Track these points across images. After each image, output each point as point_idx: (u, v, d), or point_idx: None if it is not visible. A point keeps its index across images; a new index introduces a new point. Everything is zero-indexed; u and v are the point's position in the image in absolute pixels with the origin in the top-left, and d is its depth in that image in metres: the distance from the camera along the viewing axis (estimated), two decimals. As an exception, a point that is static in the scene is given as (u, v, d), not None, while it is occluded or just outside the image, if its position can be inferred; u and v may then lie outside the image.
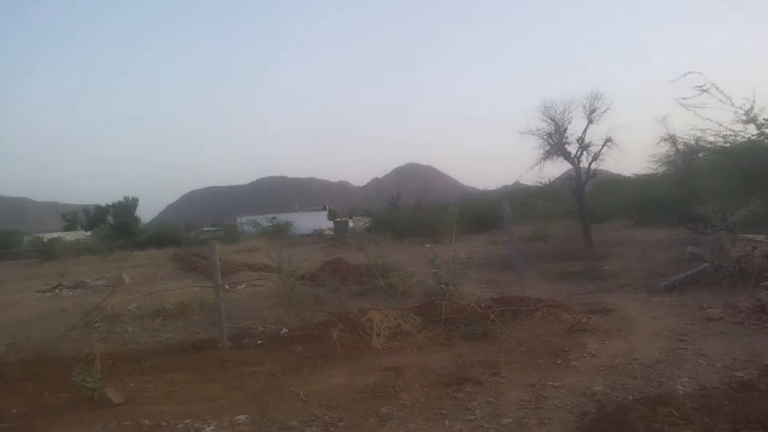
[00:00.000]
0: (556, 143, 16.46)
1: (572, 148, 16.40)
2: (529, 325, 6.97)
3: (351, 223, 55.84)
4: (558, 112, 16.18)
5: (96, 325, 6.49)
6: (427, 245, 21.74)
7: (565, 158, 16.55)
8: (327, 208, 76.74)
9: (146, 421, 4.40)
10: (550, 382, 4.85)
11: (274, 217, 50.10)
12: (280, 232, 43.97)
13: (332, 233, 48.55)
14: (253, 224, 49.29)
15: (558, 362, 5.44)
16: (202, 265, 22.75)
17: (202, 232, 77.89)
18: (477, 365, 5.43)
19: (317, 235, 49.47)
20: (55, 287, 18.73)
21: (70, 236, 59.69)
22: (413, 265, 12.69)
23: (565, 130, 16.40)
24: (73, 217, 66.06)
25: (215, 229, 78.92)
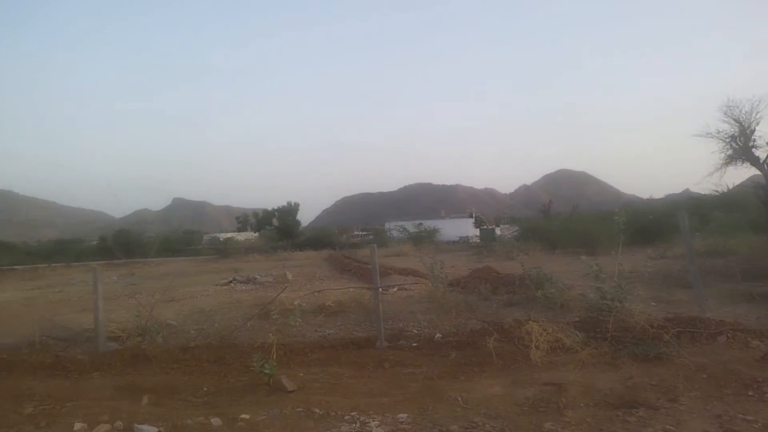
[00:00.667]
0: (740, 147, 14.54)
1: (761, 153, 14.37)
2: (711, 350, 6.21)
3: (498, 231, 54.75)
4: (743, 112, 14.30)
5: (274, 317, 7.15)
6: (582, 257, 20.49)
7: (751, 164, 14.53)
8: (473, 215, 76.04)
9: (317, 410, 4.73)
10: (741, 415, 4.27)
11: (421, 224, 50.98)
12: (426, 238, 44.61)
13: (478, 241, 48.05)
14: (401, 230, 50.63)
15: (749, 393, 4.77)
16: (354, 266, 24.01)
17: (354, 236, 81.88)
18: (650, 389, 4.98)
19: (463, 243, 49.33)
20: (230, 281, 21.07)
21: (241, 236, 66.74)
22: (568, 276, 12.04)
23: (753, 131, 14.42)
24: (244, 220, 73.85)
25: (364, 233, 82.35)
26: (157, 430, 4.30)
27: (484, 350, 6.44)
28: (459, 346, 7.00)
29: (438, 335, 7.71)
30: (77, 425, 4.54)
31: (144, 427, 4.34)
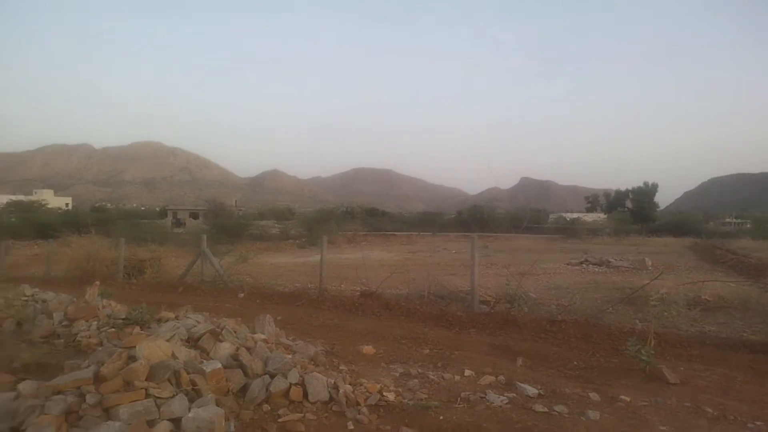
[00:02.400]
0: None
1: None
2: None
3: None
4: None
5: (652, 303, 6.70)
6: None
7: None
8: None
9: (708, 409, 4.22)
10: None
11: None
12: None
13: None
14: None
15: None
16: (731, 259, 20.42)
17: (724, 223, 69.88)
18: None
19: None
20: (581, 262, 20.73)
21: (589, 217, 64.62)
22: None
23: None
24: (594, 200, 71.11)
25: (739, 221, 69.38)
26: (537, 391, 4.56)
27: None
28: None
29: None
30: (467, 371, 5.20)
31: (525, 386, 4.66)
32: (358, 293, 9.89)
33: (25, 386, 3.96)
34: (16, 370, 4.85)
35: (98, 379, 3.68)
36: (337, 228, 39.00)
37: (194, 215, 64.57)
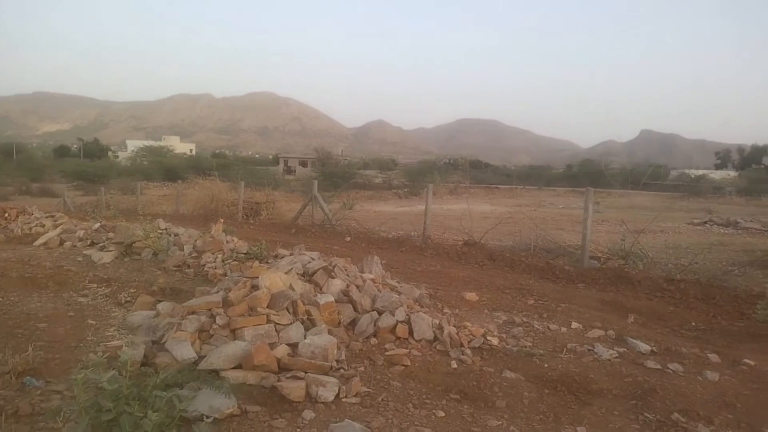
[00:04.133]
0: None
1: None
2: None
3: None
4: None
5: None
6: None
7: None
8: None
9: None
10: None
11: None
12: None
13: None
14: None
15: None
16: None
17: None
18: None
19: None
20: (705, 222, 19.08)
21: (716, 175, 58.73)
22: None
23: None
24: (724, 156, 64.29)
25: None
26: (650, 348, 4.36)
27: None
28: None
29: None
30: (574, 324, 5.08)
31: (636, 341, 4.48)
32: (461, 243, 9.90)
33: (164, 306, 4.49)
34: (154, 292, 5.49)
35: (226, 303, 4.07)
36: (439, 179, 38.88)
37: (303, 163, 67.37)
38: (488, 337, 4.37)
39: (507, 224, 11.55)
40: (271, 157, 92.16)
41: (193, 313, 4.01)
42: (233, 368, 3.34)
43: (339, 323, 4.36)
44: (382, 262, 7.53)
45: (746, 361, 4.15)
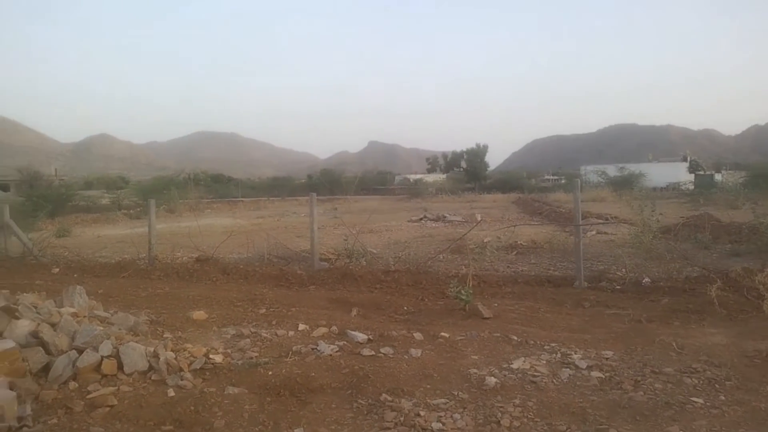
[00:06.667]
0: None
1: None
2: None
3: (718, 178, 47.61)
4: None
5: (471, 247, 7.29)
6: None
7: None
8: (688, 159, 66.83)
9: (514, 337, 4.75)
10: None
11: (623, 167, 46.61)
12: (628, 183, 40.73)
13: (692, 188, 42.35)
14: (600, 174, 46.92)
15: None
16: (546, 210, 23.19)
17: (543, 180, 78.62)
18: None
19: (673, 189, 44.04)
20: (421, 218, 21.99)
21: (430, 178, 68.62)
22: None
23: None
24: (434, 161, 75.51)
25: (556, 177, 78.64)
26: (366, 337, 4.74)
27: (703, 298, 5.78)
28: (672, 292, 6.38)
29: (646, 280, 7.10)
30: (301, 326, 5.21)
31: (356, 333, 4.82)
32: (194, 260, 9.39)
33: None
34: None
35: None
36: (177, 196, 36.50)
37: (4, 187, 55.81)
38: (211, 356, 4.16)
39: (243, 236, 11.39)
40: (-46, 181, 73.83)
41: None
42: None
43: (26, 372, 3.62)
44: (98, 291, 6.67)
45: (442, 334, 4.83)
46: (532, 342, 4.63)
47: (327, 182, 57.07)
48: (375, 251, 10.62)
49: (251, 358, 4.27)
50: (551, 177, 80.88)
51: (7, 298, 4.64)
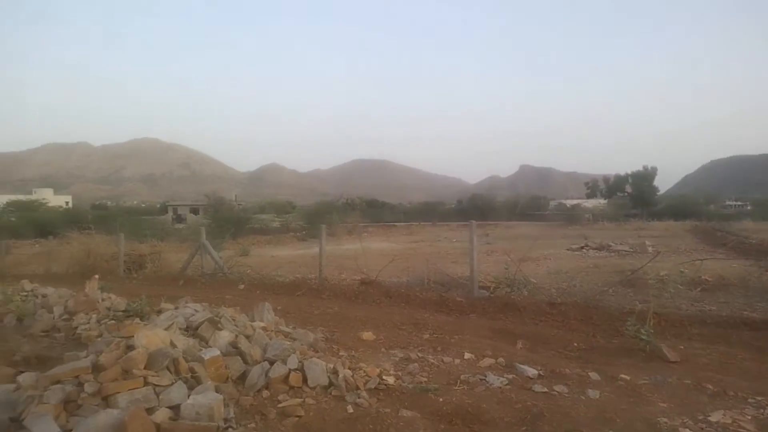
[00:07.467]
0: None
1: None
2: None
3: None
4: None
5: (650, 281, 6.67)
6: None
7: None
8: None
9: (709, 386, 4.22)
10: None
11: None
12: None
13: None
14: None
15: None
16: (731, 240, 20.48)
17: (724, 206, 69.93)
18: None
19: None
20: (582, 247, 20.72)
21: (589, 203, 64.59)
22: None
23: None
24: (593, 186, 70.95)
25: (739, 203, 69.48)
26: (537, 372, 4.56)
27: None
28: None
29: None
30: (467, 355, 5.21)
31: (525, 367, 4.66)
32: (359, 282, 9.90)
33: (25, 378, 3.96)
34: (17, 363, 4.85)
35: (97, 368, 3.68)
36: (337, 220, 39.00)
37: (194, 210, 64.55)
38: (384, 377, 4.33)
39: (401, 261, 11.75)
40: (158, 205, 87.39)
41: (57, 382, 3.57)
42: (104, 441, 2.99)
43: (227, 378, 4.10)
44: (277, 308, 7.29)
45: (622, 376, 4.47)
46: (732, 393, 4.07)
47: (477, 207, 56.71)
48: (534, 281, 10.24)
49: (421, 382, 4.35)
50: (734, 203, 71.51)
51: (209, 310, 5.33)
